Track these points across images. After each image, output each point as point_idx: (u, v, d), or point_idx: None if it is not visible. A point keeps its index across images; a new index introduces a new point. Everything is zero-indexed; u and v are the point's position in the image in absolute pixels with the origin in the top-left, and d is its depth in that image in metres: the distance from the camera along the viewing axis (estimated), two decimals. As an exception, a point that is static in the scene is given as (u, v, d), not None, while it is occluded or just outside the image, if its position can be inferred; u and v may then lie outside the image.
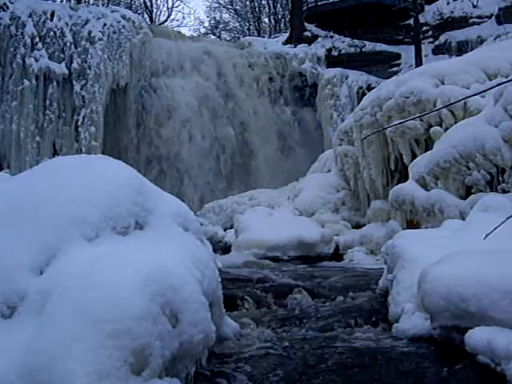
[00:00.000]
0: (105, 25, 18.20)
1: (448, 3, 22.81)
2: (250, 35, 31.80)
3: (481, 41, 20.07)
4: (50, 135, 16.97)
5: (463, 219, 6.42)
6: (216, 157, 19.81)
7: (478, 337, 3.23)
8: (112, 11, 19.25)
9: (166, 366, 2.66)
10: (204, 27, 52.40)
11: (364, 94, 15.89)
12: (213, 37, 39.42)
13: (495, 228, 3.47)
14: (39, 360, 2.37)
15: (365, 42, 22.46)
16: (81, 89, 17.32)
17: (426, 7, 23.19)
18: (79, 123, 17.21)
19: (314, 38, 22.86)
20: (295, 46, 22.32)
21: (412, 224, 8.45)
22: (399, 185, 9.13)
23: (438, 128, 9.29)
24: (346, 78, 21.09)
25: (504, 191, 7.18)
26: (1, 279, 2.81)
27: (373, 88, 15.13)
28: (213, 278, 3.47)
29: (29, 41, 16.88)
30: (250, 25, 40.33)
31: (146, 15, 35.87)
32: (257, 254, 10.01)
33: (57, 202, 3.17)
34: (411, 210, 8.48)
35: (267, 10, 39.14)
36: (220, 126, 20.05)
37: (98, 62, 17.52)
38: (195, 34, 38.50)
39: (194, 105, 19.62)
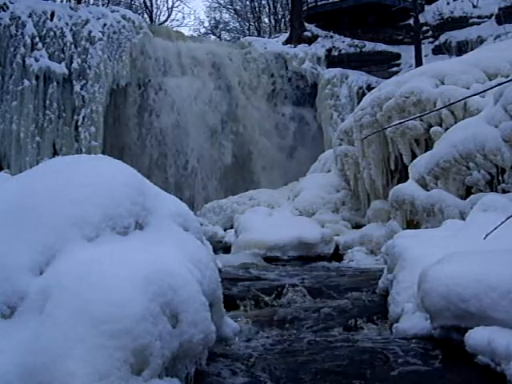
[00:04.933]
0: (105, 25, 18.20)
1: (448, 3, 22.81)
2: (250, 35, 31.79)
3: (481, 41, 20.07)
4: (50, 135, 16.97)
5: (463, 219, 6.41)
6: (216, 157, 19.81)
7: (478, 337, 3.23)
8: (112, 11, 19.25)
9: (166, 366, 2.66)
10: (204, 27, 52.46)
11: (364, 94, 15.88)
12: (213, 37, 39.47)
13: (495, 228, 3.47)
14: (39, 360, 2.37)
15: (365, 42, 22.45)
16: (81, 89, 17.33)
17: (426, 7, 23.18)
18: (79, 123, 17.21)
19: (314, 37, 22.86)
20: (295, 46, 22.32)
21: (412, 224, 8.43)
22: (399, 185, 9.11)
23: (438, 128, 9.29)
24: (346, 78, 21.08)
25: (504, 191, 7.17)
26: (1, 279, 2.80)
27: (373, 88, 15.12)
28: (213, 278, 3.47)
29: (29, 41, 16.88)
30: (250, 25, 40.33)
31: (146, 15, 35.86)
32: (257, 254, 10.01)
33: (57, 202, 3.17)
34: (411, 210, 8.47)
35: (267, 10, 39.17)
36: (220, 125, 20.05)
37: (98, 62, 17.52)
38: (195, 34, 38.53)
39: (194, 105, 19.62)
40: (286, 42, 22.98)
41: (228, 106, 20.33)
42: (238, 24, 42.18)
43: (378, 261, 9.00)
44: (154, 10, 37.89)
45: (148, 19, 34.80)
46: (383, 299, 4.98)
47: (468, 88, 9.30)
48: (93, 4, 28.13)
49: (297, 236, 10.37)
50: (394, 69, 21.73)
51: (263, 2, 38.73)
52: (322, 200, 12.49)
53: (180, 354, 2.77)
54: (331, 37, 22.81)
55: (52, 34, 17.34)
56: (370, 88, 18.69)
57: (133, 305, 2.55)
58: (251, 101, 20.66)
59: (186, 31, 61.46)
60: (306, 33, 22.92)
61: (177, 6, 77.52)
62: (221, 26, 42.39)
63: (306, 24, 23.27)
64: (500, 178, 7.35)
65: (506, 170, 7.25)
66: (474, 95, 4.67)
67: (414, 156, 9.75)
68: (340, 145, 12.65)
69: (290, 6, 27.42)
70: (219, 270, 4.06)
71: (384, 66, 21.95)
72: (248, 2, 39.72)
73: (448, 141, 7.91)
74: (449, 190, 7.89)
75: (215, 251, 7.17)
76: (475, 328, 3.30)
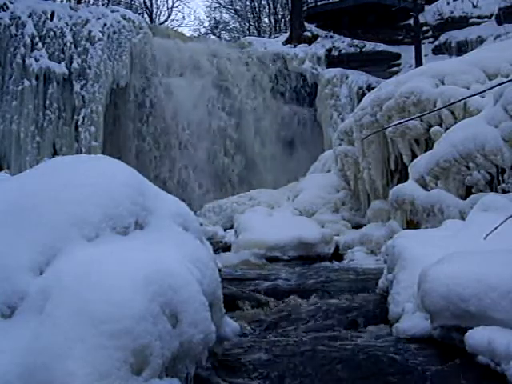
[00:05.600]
0: (105, 25, 18.20)
1: (448, 3, 22.81)
2: (250, 35, 31.79)
3: (481, 41, 20.07)
4: (50, 135, 16.97)
5: (463, 219, 6.41)
6: (216, 157, 19.81)
7: (477, 337, 3.23)
8: (112, 11, 19.25)
9: (165, 366, 2.66)
10: (204, 27, 52.53)
11: (364, 94, 15.88)
12: (213, 37, 39.40)
13: (495, 228, 3.47)
14: (39, 360, 2.37)
15: (365, 42, 22.45)
16: (81, 89, 17.32)
17: (426, 7, 23.20)
18: (79, 123, 17.21)
19: (314, 37, 22.86)
20: (295, 46, 22.32)
21: (412, 224, 8.44)
22: (399, 185, 9.11)
23: (438, 128, 9.28)
24: (346, 78, 21.09)
25: (504, 191, 7.16)
26: (1, 279, 2.80)
27: (373, 88, 15.12)
28: (213, 278, 3.47)
29: (29, 41, 16.88)
30: (250, 25, 40.33)
31: (146, 15, 35.87)
32: (257, 254, 10.00)
33: (57, 201, 3.17)
34: (411, 210, 8.47)
35: (267, 10, 39.15)
36: (220, 125, 20.05)
37: (98, 62, 17.51)
38: (195, 34, 38.53)
39: (194, 105, 19.63)
40: (286, 42, 22.99)
41: (228, 106, 20.33)
42: (237, 24, 42.20)
43: (378, 261, 9.00)
44: (154, 10, 37.93)
45: (148, 19, 34.80)
46: (383, 299, 4.98)
47: (468, 88, 9.29)
48: (93, 4, 28.12)
49: (297, 236, 10.36)
50: (394, 69, 21.73)
51: (263, 2, 38.73)
52: (322, 200, 12.49)
53: (180, 354, 2.77)
54: (331, 37, 22.82)
55: (52, 33, 17.34)
56: (370, 88, 18.69)
57: (133, 305, 2.55)
58: (251, 101, 20.66)
59: (186, 31, 61.57)
60: (306, 33, 22.92)
61: (177, 6, 77.59)
62: (221, 25, 42.41)
63: (306, 24, 23.28)
64: (500, 178, 7.35)
65: (506, 170, 7.24)
66: (474, 95, 4.67)
67: (413, 156, 9.74)
68: (340, 145, 12.65)
69: (290, 5, 27.42)
70: (219, 270, 4.06)
71: (384, 65, 21.95)
72: (248, 2, 39.74)
73: (448, 141, 7.91)
74: (449, 190, 7.89)
75: (215, 251, 7.18)
76: (475, 328, 3.29)
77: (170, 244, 3.27)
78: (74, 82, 17.31)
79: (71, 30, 17.72)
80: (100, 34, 17.88)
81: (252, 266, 9.10)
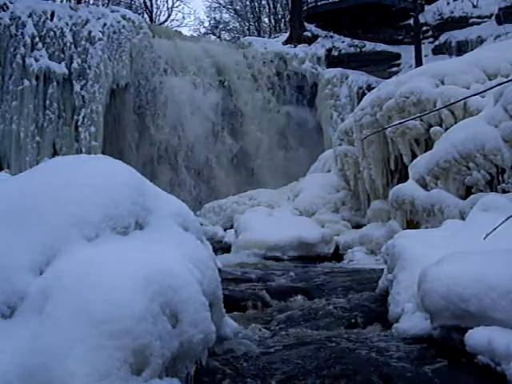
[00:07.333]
0: (105, 25, 18.21)
1: (448, 3, 22.82)
2: (250, 35, 31.80)
3: (481, 41, 20.09)
4: (50, 135, 16.98)
5: (463, 219, 6.41)
6: (216, 157, 19.81)
7: (477, 337, 3.23)
8: (112, 11, 19.26)
9: (165, 366, 2.66)
10: (204, 27, 52.49)
11: (364, 94, 15.88)
12: (213, 37, 39.44)
13: (495, 228, 3.47)
14: (39, 360, 2.37)
15: (365, 42, 22.47)
16: (81, 89, 17.33)
17: (426, 7, 23.21)
18: (79, 123, 17.21)
19: (314, 37, 22.87)
20: (295, 46, 22.33)
21: (412, 224, 8.44)
22: (399, 185, 9.12)
23: (438, 128, 9.29)
24: (346, 78, 21.10)
25: (504, 191, 7.17)
26: (1, 279, 2.80)
27: (373, 88, 15.12)
28: (213, 278, 3.47)
29: (29, 41, 16.88)
30: (250, 25, 40.35)
31: (146, 15, 35.90)
32: (257, 254, 10.02)
33: (57, 201, 3.17)
34: (411, 210, 8.47)
35: (267, 10, 39.18)
36: (220, 125, 20.06)
37: (98, 62, 17.52)
38: (195, 34, 38.51)
39: (194, 105, 19.63)
40: (286, 42, 23.00)
41: (228, 106, 20.33)
42: (237, 24, 42.22)
43: (378, 261, 9.00)
44: (154, 10, 37.97)
45: (148, 19, 34.82)
46: (383, 299, 4.97)
47: (468, 88, 9.30)
48: (93, 4, 28.11)
49: (297, 236, 10.38)
50: (394, 69, 21.74)
51: (263, 2, 38.76)
52: (322, 200, 12.50)
53: (180, 354, 2.77)
54: (331, 37, 22.83)
55: (52, 33, 17.35)
56: (370, 88, 18.69)
57: (133, 305, 2.54)
58: (251, 101, 20.66)
59: (185, 31, 61.63)
60: (306, 33, 22.93)
61: (177, 6, 77.69)
62: (221, 26, 42.43)
63: (306, 24, 23.29)
64: (500, 177, 7.35)
65: (506, 170, 7.25)
66: (474, 95, 4.67)
67: (414, 156, 9.75)
68: (340, 145, 12.66)
69: (290, 6, 27.42)
70: (219, 270, 4.06)
71: (384, 65, 21.97)
72: (248, 2, 39.76)
73: (448, 141, 7.91)
74: (449, 190, 7.89)
75: (215, 251, 7.17)
76: (475, 328, 3.29)
77: (170, 244, 3.27)
78: (74, 82, 17.32)
79: (71, 30, 17.73)
80: (100, 34, 17.88)
81: (252, 266, 9.10)
